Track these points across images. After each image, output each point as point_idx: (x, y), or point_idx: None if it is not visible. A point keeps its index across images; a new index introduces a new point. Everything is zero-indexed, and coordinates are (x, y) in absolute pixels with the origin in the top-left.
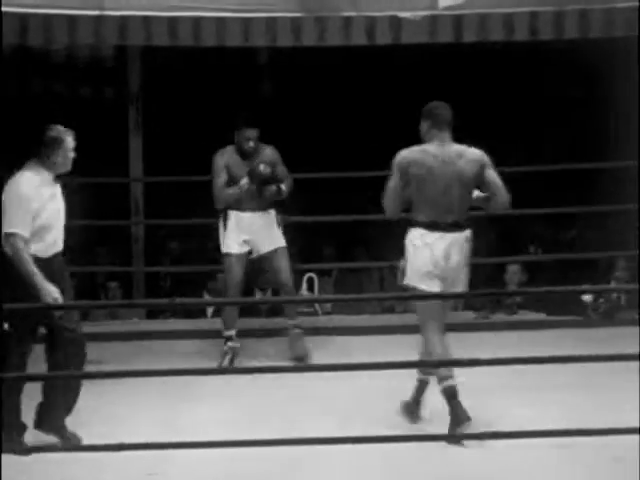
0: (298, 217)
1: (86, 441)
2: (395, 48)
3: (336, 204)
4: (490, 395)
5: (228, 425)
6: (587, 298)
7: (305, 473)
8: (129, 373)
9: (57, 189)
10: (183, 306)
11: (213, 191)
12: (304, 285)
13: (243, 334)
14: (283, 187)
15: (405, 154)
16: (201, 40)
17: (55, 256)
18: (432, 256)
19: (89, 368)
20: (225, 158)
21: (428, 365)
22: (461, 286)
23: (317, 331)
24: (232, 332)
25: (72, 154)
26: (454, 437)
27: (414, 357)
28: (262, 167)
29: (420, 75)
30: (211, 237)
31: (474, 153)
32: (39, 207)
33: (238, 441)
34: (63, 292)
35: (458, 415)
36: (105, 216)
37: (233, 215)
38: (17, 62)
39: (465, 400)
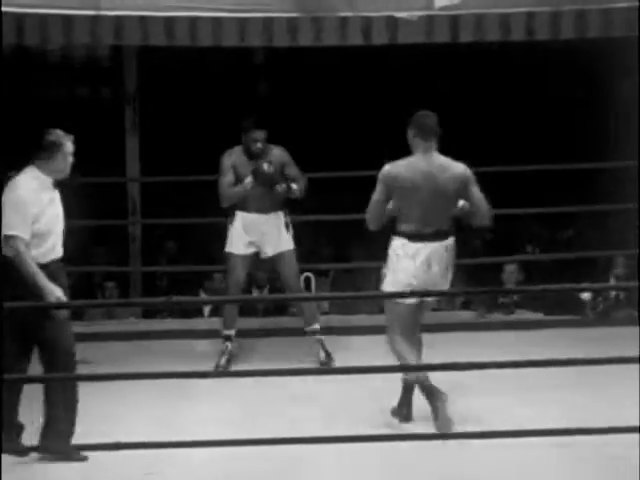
0: (296, 217)
1: (83, 440)
2: (391, 48)
3: (333, 204)
4: (489, 395)
5: (226, 424)
6: (586, 296)
7: (303, 472)
8: (129, 375)
9: (56, 194)
10: (180, 305)
11: (219, 190)
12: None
13: (241, 334)
14: (294, 186)
15: (389, 168)
16: (197, 40)
17: (53, 262)
18: (414, 267)
19: (85, 368)
20: (232, 158)
21: (426, 369)
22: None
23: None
24: (231, 332)
25: (71, 159)
26: (455, 436)
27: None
28: (266, 166)
29: (416, 75)
30: (209, 237)
31: (458, 168)
32: (38, 211)
33: (236, 440)
34: None
35: (401, 408)
36: (102, 216)
37: (240, 216)
38: (13, 62)
39: (464, 399)
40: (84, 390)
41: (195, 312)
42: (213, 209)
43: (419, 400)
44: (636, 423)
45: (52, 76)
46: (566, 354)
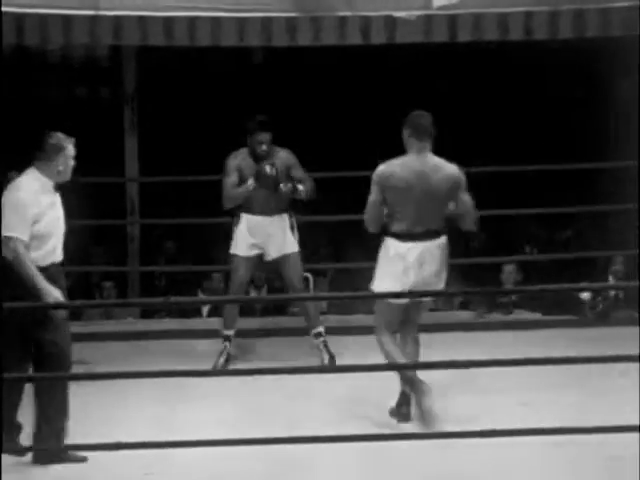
0: (295, 217)
1: (82, 441)
2: (390, 48)
3: (331, 204)
4: (488, 395)
5: (225, 424)
6: (585, 296)
7: (301, 472)
8: (128, 374)
9: (57, 197)
10: (178, 305)
11: (222, 191)
12: None
13: (240, 334)
14: (300, 187)
15: (383, 168)
16: (196, 40)
17: (53, 265)
18: (405, 267)
19: (82, 368)
20: (238, 160)
21: (423, 367)
22: None
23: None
24: (231, 332)
25: (72, 162)
26: (456, 435)
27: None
28: (268, 168)
29: (415, 75)
30: (208, 237)
31: (450, 169)
32: (38, 213)
33: (235, 440)
34: None
35: (399, 408)
36: (101, 216)
37: (245, 218)
38: (13, 62)
39: (462, 398)
40: (83, 391)
41: (193, 312)
42: (212, 209)
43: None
44: (635, 422)
45: (51, 76)
46: (565, 354)
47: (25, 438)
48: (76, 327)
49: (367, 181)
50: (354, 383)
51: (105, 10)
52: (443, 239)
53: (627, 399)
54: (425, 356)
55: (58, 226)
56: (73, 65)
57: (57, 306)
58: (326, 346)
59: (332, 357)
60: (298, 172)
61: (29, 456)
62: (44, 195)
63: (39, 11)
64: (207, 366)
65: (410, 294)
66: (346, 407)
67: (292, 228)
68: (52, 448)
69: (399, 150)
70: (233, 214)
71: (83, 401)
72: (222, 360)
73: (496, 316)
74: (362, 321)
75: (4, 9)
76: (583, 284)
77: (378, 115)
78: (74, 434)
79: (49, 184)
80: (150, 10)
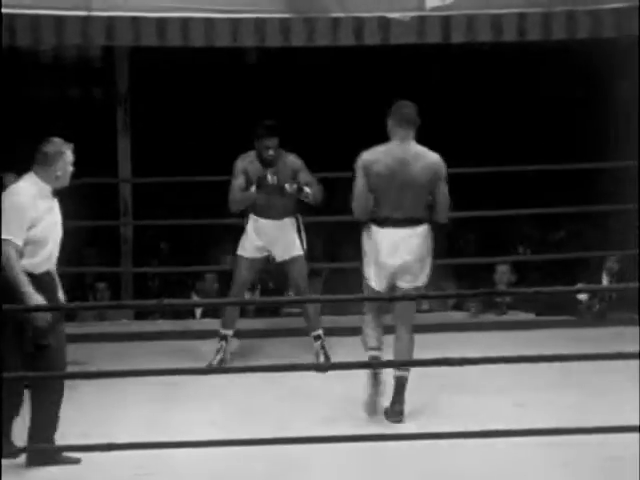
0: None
1: (74, 441)
2: (384, 49)
3: (326, 204)
4: (486, 394)
5: (218, 424)
6: (582, 297)
7: (297, 472)
8: (125, 373)
9: (55, 203)
10: (171, 307)
11: (229, 193)
12: None
13: (236, 334)
14: (307, 189)
15: (366, 155)
16: (189, 40)
17: (47, 273)
18: (380, 251)
19: (77, 369)
20: (245, 163)
21: (419, 365)
22: (416, 281)
23: (307, 331)
24: (229, 332)
25: (71, 168)
26: (456, 435)
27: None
28: (269, 177)
29: (408, 76)
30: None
31: (432, 158)
32: (35, 217)
33: (228, 440)
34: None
35: (393, 406)
36: (94, 217)
37: (252, 220)
38: (5, 62)
39: (461, 397)
40: (77, 392)
41: (187, 313)
42: (205, 210)
43: (413, 398)
44: (635, 422)
45: (43, 77)
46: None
47: (19, 439)
48: (70, 328)
49: None
50: (351, 383)
51: (97, 11)
52: (424, 227)
53: (627, 399)
54: (419, 356)
55: (55, 231)
56: (65, 66)
57: (51, 308)
58: (324, 348)
59: (328, 359)
60: (305, 176)
61: (23, 457)
62: (42, 200)
63: (31, 12)
64: (201, 366)
65: (409, 296)
66: (343, 407)
67: (299, 230)
68: (46, 450)
69: None
70: (243, 215)
71: (77, 402)
72: (218, 359)
73: (490, 317)
74: (357, 322)
75: None
76: (579, 286)
77: (371, 116)
78: (68, 435)
79: (47, 189)
80: (143, 11)
